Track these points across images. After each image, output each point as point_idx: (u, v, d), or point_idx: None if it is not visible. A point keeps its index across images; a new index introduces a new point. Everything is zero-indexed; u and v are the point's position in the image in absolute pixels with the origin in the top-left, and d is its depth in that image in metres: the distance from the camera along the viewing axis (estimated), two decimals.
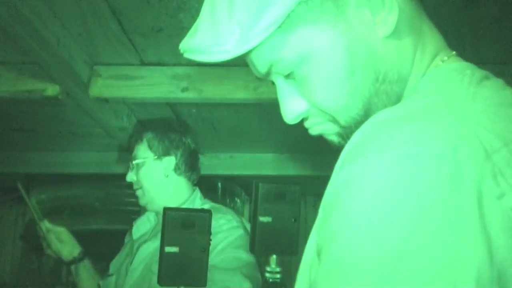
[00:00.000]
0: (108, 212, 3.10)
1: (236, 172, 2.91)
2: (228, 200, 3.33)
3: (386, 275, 0.51)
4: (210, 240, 1.21)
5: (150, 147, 1.91)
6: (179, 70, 1.79)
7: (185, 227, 1.18)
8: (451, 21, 1.48)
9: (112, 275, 1.92)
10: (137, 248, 1.88)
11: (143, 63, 1.78)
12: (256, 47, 0.69)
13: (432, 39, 0.75)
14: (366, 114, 0.71)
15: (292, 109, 0.78)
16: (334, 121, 0.75)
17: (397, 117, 0.61)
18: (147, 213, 2.02)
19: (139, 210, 2.92)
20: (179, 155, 1.94)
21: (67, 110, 2.11)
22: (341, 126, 0.75)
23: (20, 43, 1.49)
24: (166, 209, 1.21)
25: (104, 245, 2.19)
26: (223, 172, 2.90)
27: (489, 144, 0.55)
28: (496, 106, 0.61)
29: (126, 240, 2.07)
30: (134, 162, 1.91)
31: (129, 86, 1.79)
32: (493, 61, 1.70)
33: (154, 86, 1.79)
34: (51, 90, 1.78)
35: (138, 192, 1.92)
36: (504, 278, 0.51)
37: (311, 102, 0.75)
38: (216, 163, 2.85)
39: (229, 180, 3.22)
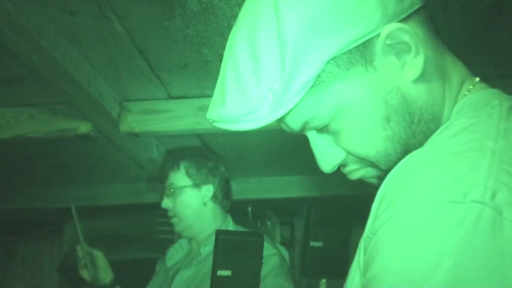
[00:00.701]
0: (142, 241, 3.14)
1: (265, 195, 2.92)
2: (259, 223, 3.34)
3: None
4: (262, 263, 1.22)
5: (189, 175, 1.93)
6: (205, 101, 1.82)
7: (237, 251, 1.19)
8: (471, 40, 1.49)
9: None
10: (173, 276, 1.89)
11: (170, 97, 1.83)
12: (290, 109, 0.69)
13: (456, 70, 0.76)
14: (405, 156, 0.70)
15: (329, 160, 0.77)
16: (374, 165, 0.75)
17: (432, 160, 0.62)
18: (179, 241, 2.04)
19: (172, 238, 2.95)
20: (216, 183, 1.97)
21: (99, 145, 2.16)
22: (381, 170, 0.74)
23: (52, 85, 1.55)
24: (218, 232, 1.21)
25: (139, 274, 2.21)
26: (253, 196, 2.91)
27: None
28: None
29: (157, 267, 2.08)
30: (172, 189, 1.92)
31: (158, 119, 1.83)
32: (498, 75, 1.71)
33: (182, 118, 1.83)
34: (83, 127, 1.83)
35: (174, 220, 1.93)
36: None
37: (349, 151, 0.75)
38: (246, 188, 2.86)
39: (259, 203, 3.24)
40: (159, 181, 2.61)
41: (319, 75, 0.67)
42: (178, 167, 1.95)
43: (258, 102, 0.67)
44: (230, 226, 1.99)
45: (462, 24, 1.42)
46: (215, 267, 1.19)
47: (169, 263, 1.99)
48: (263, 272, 1.72)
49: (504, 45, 1.55)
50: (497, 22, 1.43)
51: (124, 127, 1.83)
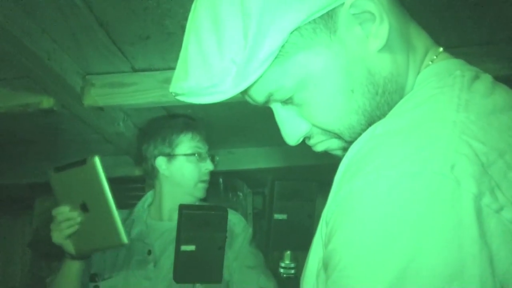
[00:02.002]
0: None
1: (236, 167, 2.93)
2: (230, 195, 3.36)
3: None
4: (226, 237, 1.22)
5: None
6: (170, 74, 1.79)
7: (201, 226, 1.18)
8: (434, 8, 1.50)
9: (111, 277, 1.82)
10: (152, 252, 1.85)
11: (134, 70, 1.81)
12: (254, 81, 0.68)
13: (419, 40, 0.76)
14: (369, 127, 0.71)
15: (293, 132, 0.77)
16: (338, 137, 0.75)
17: (394, 131, 0.62)
18: (136, 209, 2.02)
19: None
20: None
21: (64, 120, 2.13)
22: (346, 141, 0.75)
23: (12, 60, 1.51)
24: (182, 207, 1.20)
25: None
26: (223, 168, 2.92)
27: (485, 157, 0.56)
28: (488, 114, 0.62)
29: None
30: (208, 152, 2.01)
31: (122, 93, 1.81)
32: (478, 42, 1.72)
33: (147, 91, 1.81)
34: (46, 102, 1.80)
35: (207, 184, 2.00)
36: None
37: (314, 123, 0.75)
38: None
39: (230, 174, 3.25)
40: (131, 155, 2.60)
41: (282, 46, 0.67)
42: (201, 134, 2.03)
43: (221, 75, 0.66)
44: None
45: None
46: (178, 242, 1.19)
47: (132, 233, 1.90)
48: (242, 242, 1.76)
49: (467, 12, 1.56)
50: None
51: (88, 101, 1.81)
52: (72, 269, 1.66)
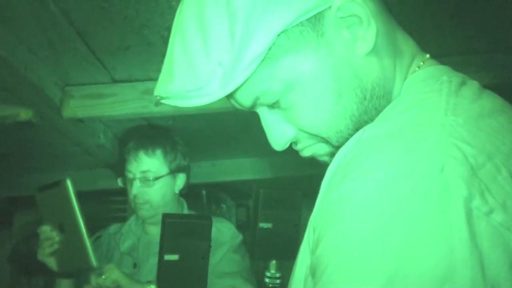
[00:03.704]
0: (94, 228, 3.09)
1: (219, 179, 2.92)
2: (214, 207, 3.34)
3: None
4: (210, 247, 1.21)
5: (166, 163, 1.86)
6: (150, 84, 1.79)
7: (185, 235, 1.17)
8: (413, 17, 1.51)
9: None
10: (136, 265, 1.84)
11: (114, 81, 1.79)
12: (240, 84, 0.67)
13: (406, 45, 0.76)
14: (357, 132, 0.70)
15: (280, 136, 0.76)
16: (326, 141, 0.74)
17: (382, 134, 0.62)
18: (128, 223, 1.99)
19: None
20: (187, 171, 1.94)
21: (43, 132, 2.10)
22: (333, 146, 0.74)
23: None
24: (165, 216, 1.18)
25: None
26: (206, 180, 2.90)
27: (474, 159, 0.55)
28: (477, 118, 0.62)
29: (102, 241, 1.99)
30: (150, 177, 1.82)
31: (102, 104, 1.79)
32: (456, 52, 1.73)
33: (127, 102, 1.79)
34: (24, 114, 1.77)
35: (145, 206, 1.84)
36: None
37: (301, 128, 0.74)
38: (199, 172, 2.85)
39: (213, 186, 3.23)
40: (112, 168, 2.57)
41: (270, 49, 0.66)
42: (154, 153, 1.84)
43: (207, 77, 0.65)
44: (185, 210, 1.97)
45: (401, 1, 1.43)
46: (162, 252, 1.18)
47: (122, 247, 1.92)
48: (226, 249, 1.74)
49: (446, 22, 1.57)
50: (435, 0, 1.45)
51: (67, 113, 1.78)
52: (63, 287, 1.69)
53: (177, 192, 1.91)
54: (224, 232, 1.79)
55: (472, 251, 0.51)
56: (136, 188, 1.83)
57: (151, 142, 1.87)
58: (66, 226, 1.58)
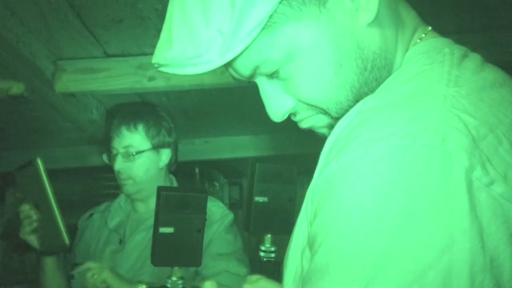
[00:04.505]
0: (86, 205, 3.08)
1: (212, 156, 2.91)
2: (207, 185, 3.34)
3: (381, 266, 0.51)
4: (205, 219, 1.21)
5: (148, 138, 1.84)
6: (144, 59, 1.77)
7: (180, 208, 1.17)
8: None
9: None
10: (122, 240, 1.85)
11: (107, 55, 1.77)
12: (240, 52, 0.66)
13: (408, 17, 0.75)
14: (356, 103, 0.70)
15: (279, 107, 0.76)
16: (325, 113, 0.74)
17: (383, 105, 0.61)
18: (117, 200, 1.99)
19: None
20: (173, 146, 1.92)
21: (35, 107, 2.08)
22: (332, 117, 0.74)
23: None
24: (160, 189, 1.18)
25: None
26: (199, 157, 2.90)
27: (476, 131, 0.55)
28: (479, 90, 0.61)
29: (83, 225, 2.00)
30: (130, 152, 1.82)
31: (95, 79, 1.78)
32: (454, 31, 1.72)
33: (120, 77, 1.78)
34: (16, 88, 1.75)
35: (128, 182, 1.84)
36: (497, 264, 0.52)
37: (300, 98, 0.74)
38: (192, 149, 2.84)
39: (206, 164, 3.23)
40: (102, 141, 2.55)
41: (271, 16, 0.65)
42: (135, 128, 1.84)
43: (207, 44, 0.64)
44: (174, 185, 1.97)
45: None
46: (157, 224, 1.18)
47: (111, 224, 1.93)
48: (219, 229, 1.74)
49: (442, 1, 1.56)
50: None
51: (59, 87, 1.77)
52: (48, 264, 1.72)
53: (162, 167, 1.89)
54: (214, 211, 1.79)
55: (472, 222, 0.51)
56: (118, 164, 1.83)
57: (133, 117, 1.86)
58: (41, 205, 1.63)
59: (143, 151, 1.83)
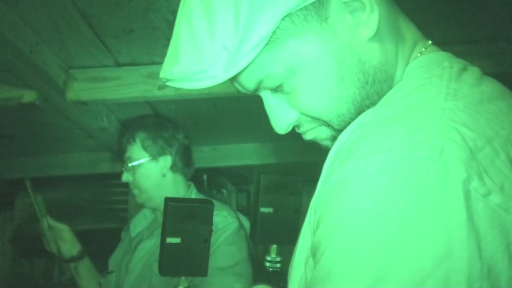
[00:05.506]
0: (96, 211, 3.11)
1: (220, 163, 2.92)
2: (214, 192, 3.35)
3: (381, 276, 0.53)
4: (212, 230, 1.22)
5: (145, 148, 1.92)
6: (154, 68, 1.79)
7: (187, 218, 1.18)
8: (417, 5, 1.51)
9: (112, 272, 1.94)
10: (135, 247, 1.90)
11: (118, 64, 1.79)
12: (244, 67, 0.68)
13: (408, 31, 0.77)
14: (358, 116, 0.71)
15: (283, 120, 0.77)
16: (327, 125, 0.75)
17: (384, 118, 0.63)
18: (143, 210, 2.05)
19: (126, 208, 2.94)
20: (174, 153, 1.95)
21: (46, 115, 2.10)
22: (335, 130, 0.75)
23: None
24: (167, 200, 1.20)
25: (94, 245, 2.19)
26: (207, 164, 2.91)
27: (473, 143, 0.57)
28: (476, 103, 0.63)
29: (122, 236, 2.09)
30: (130, 164, 1.91)
31: (106, 87, 1.80)
32: (460, 41, 1.73)
33: (131, 86, 1.80)
34: (28, 96, 1.78)
35: (135, 192, 1.93)
36: (494, 273, 0.53)
37: (303, 111, 0.75)
38: (200, 156, 2.86)
39: (214, 171, 3.24)
40: (114, 151, 2.58)
41: (274, 32, 0.67)
42: (134, 140, 1.93)
43: (212, 60, 0.66)
44: (193, 195, 1.99)
45: None
46: (164, 235, 1.19)
47: (133, 233, 2.01)
48: (219, 241, 1.74)
49: (449, 10, 1.57)
50: None
51: (70, 96, 1.79)
52: (78, 270, 1.88)
53: (164, 174, 1.93)
54: (215, 222, 1.80)
55: (469, 232, 0.53)
56: (124, 176, 1.94)
57: (132, 130, 1.96)
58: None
59: (139, 162, 1.90)
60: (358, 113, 0.72)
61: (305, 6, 0.68)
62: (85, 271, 1.91)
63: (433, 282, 0.52)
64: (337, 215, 0.58)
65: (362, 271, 0.54)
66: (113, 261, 2.00)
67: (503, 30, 1.72)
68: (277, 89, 0.75)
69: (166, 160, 1.94)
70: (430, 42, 0.78)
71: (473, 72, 0.70)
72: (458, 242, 0.52)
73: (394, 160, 0.56)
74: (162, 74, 0.73)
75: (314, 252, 0.63)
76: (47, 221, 1.86)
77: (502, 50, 1.77)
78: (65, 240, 1.88)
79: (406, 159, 0.55)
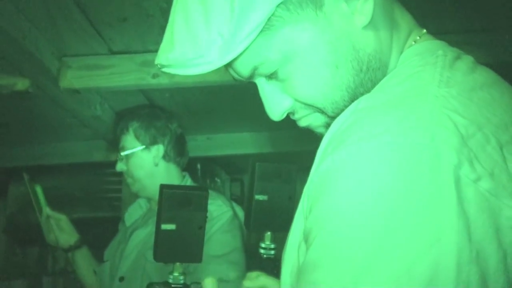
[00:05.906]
0: (89, 200, 3.10)
1: (214, 153, 2.92)
2: (208, 181, 3.35)
3: (372, 259, 0.54)
4: (207, 217, 1.23)
5: (137, 137, 1.92)
6: (149, 56, 1.79)
7: (182, 205, 1.18)
8: None
9: (107, 261, 1.95)
10: (130, 235, 1.90)
11: (112, 52, 1.78)
12: (239, 54, 0.68)
13: (403, 20, 0.77)
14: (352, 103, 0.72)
15: (277, 107, 0.78)
16: (321, 112, 0.76)
17: (377, 105, 0.64)
18: (138, 200, 2.06)
19: (120, 197, 2.94)
20: (166, 142, 1.96)
21: (40, 103, 2.10)
22: (328, 117, 0.76)
23: None
24: (163, 187, 1.20)
25: (88, 233, 2.19)
26: (201, 153, 2.91)
27: (465, 129, 0.57)
28: (469, 91, 0.64)
29: (120, 226, 2.11)
30: (122, 154, 1.92)
31: (99, 75, 1.79)
32: (456, 31, 1.74)
33: (124, 74, 1.79)
34: (21, 84, 1.77)
35: (129, 181, 1.95)
36: (483, 256, 0.54)
37: (297, 98, 0.76)
38: (194, 145, 2.85)
39: (208, 160, 3.24)
40: (108, 140, 2.58)
41: (269, 19, 0.67)
42: (127, 130, 1.94)
43: (207, 46, 0.66)
44: (188, 183, 2.00)
45: None
46: (159, 221, 1.19)
47: (128, 222, 2.02)
48: (213, 229, 1.75)
49: (445, 2, 1.57)
50: None
51: (64, 83, 1.78)
52: (76, 259, 1.91)
53: (157, 163, 1.93)
54: (210, 210, 1.80)
55: (459, 216, 0.53)
56: (118, 165, 1.95)
57: (126, 119, 1.97)
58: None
59: (131, 151, 1.92)
60: (352, 100, 0.72)
61: None
62: (82, 260, 1.91)
63: (423, 265, 0.52)
64: (328, 200, 0.59)
65: (352, 255, 0.55)
66: (108, 251, 2.01)
67: (499, 20, 1.72)
68: (271, 76, 0.75)
69: (159, 149, 1.94)
70: (424, 31, 0.78)
71: (466, 60, 0.71)
72: (448, 226, 0.53)
73: (386, 146, 0.56)
74: (157, 60, 0.74)
75: (306, 237, 0.63)
76: (46, 211, 1.86)
77: (497, 40, 1.77)
78: (63, 229, 1.89)
79: (398, 145, 0.56)
